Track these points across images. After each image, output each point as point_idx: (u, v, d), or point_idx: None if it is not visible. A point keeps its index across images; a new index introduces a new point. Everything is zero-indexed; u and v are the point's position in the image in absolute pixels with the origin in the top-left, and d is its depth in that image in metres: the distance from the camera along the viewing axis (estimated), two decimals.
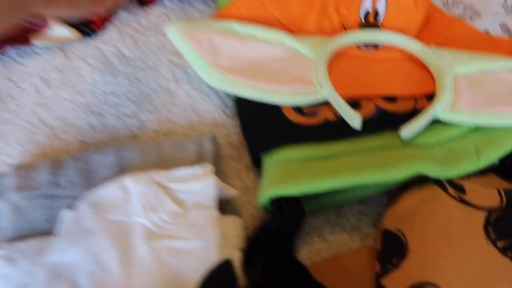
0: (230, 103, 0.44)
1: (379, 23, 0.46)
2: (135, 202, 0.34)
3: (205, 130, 0.42)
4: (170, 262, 0.31)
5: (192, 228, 0.32)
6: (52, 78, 0.46)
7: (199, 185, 0.34)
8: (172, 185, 0.35)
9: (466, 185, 0.35)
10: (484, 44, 0.47)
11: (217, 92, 0.44)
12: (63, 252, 0.31)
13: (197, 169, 0.35)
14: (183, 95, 0.45)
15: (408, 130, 0.37)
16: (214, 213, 0.33)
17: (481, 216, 0.33)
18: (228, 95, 0.44)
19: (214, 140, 0.40)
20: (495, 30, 0.50)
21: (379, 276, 0.31)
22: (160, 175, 0.35)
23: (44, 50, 0.48)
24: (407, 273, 0.30)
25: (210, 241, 0.31)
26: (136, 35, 0.48)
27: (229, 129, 0.42)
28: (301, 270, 0.32)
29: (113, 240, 0.32)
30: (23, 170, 0.37)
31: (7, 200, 0.35)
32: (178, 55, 0.45)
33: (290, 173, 0.35)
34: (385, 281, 0.30)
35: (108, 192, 0.34)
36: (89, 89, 0.45)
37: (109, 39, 0.48)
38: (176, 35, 0.42)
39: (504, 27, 0.51)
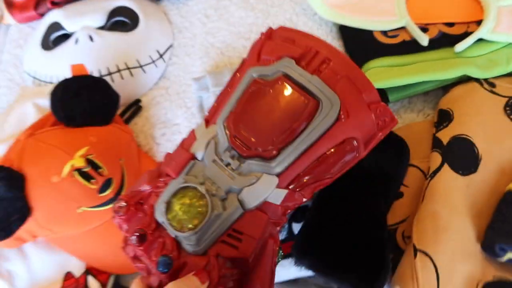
0: (335, 30, 0.64)
1: None
2: None
3: None
4: None
5: None
6: (211, 14, 0.68)
7: None
8: None
9: (496, 82, 0.55)
10: None
11: (326, 22, 0.65)
12: None
13: None
14: (301, 24, 0.65)
15: (460, 46, 0.56)
16: None
17: (503, 101, 0.53)
18: (334, 24, 0.64)
19: None
20: None
21: (435, 132, 0.53)
22: None
23: None
24: (451, 131, 0.51)
25: None
26: None
27: (336, 46, 0.63)
28: None
29: None
30: (214, 73, 0.60)
31: (211, 92, 0.59)
32: None
33: (381, 74, 0.56)
34: (438, 134, 0.52)
35: None
36: (238, 21, 0.67)
37: None
38: None
39: None
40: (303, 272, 0.48)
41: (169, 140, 0.61)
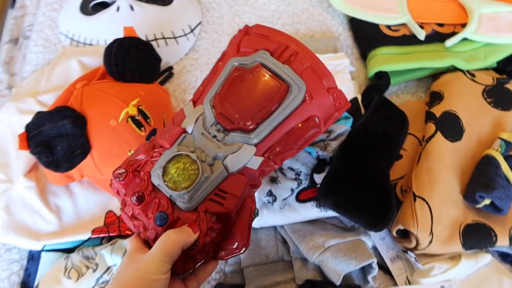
0: (346, 21, 0.75)
1: None
2: None
3: (334, 35, 0.74)
4: None
5: (338, 81, 0.65)
6: None
7: (340, 61, 0.67)
8: (325, 61, 0.67)
9: (476, 73, 0.68)
10: None
11: (338, 14, 0.76)
12: None
13: (337, 54, 0.68)
14: (317, 14, 0.76)
15: (449, 42, 0.69)
16: (349, 75, 0.66)
17: (481, 88, 0.66)
18: (345, 16, 0.75)
19: (339, 40, 0.72)
20: None
21: (428, 108, 0.65)
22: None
23: None
24: (442, 107, 0.63)
25: (349, 87, 0.65)
26: None
27: (346, 36, 0.74)
28: (392, 103, 0.65)
29: None
30: None
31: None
32: None
33: (385, 60, 0.68)
34: (432, 110, 0.64)
35: None
36: (262, 7, 0.76)
37: None
38: None
39: None
40: (322, 213, 0.57)
41: None
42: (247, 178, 0.42)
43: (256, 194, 0.50)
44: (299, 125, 0.43)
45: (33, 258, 0.59)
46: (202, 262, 0.43)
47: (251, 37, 0.45)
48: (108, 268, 0.54)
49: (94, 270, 0.53)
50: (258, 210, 0.47)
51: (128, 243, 0.41)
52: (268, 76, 0.42)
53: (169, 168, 0.41)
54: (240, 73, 0.43)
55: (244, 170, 0.42)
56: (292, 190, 0.55)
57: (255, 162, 0.42)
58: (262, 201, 0.55)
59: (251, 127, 0.41)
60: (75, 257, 0.55)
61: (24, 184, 0.59)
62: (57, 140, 0.53)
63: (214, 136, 0.42)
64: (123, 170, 0.42)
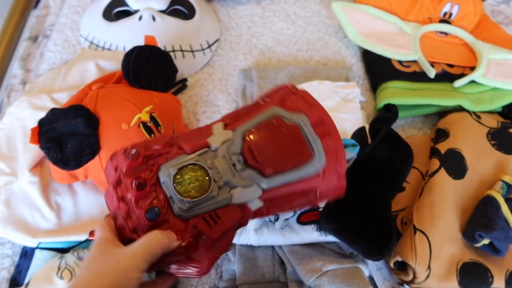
0: (359, 53, 0.77)
1: (451, 20, 0.78)
2: (320, 94, 0.68)
3: (346, 65, 0.76)
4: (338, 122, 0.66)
5: (348, 109, 0.67)
6: (256, 20, 0.79)
7: (351, 90, 0.68)
8: (336, 89, 0.69)
9: (481, 115, 0.70)
10: (509, 42, 0.79)
11: (353, 46, 0.78)
12: None
13: (348, 83, 0.69)
14: (332, 44, 0.78)
15: (458, 83, 0.71)
16: (358, 105, 0.68)
17: (486, 130, 0.68)
18: (359, 48, 0.77)
19: (352, 70, 0.74)
20: None
21: (433, 144, 0.66)
22: (329, 83, 0.69)
23: (248, 2, 0.80)
24: (447, 144, 0.65)
25: (358, 116, 0.66)
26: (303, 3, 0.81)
27: (359, 67, 0.76)
28: (398, 136, 0.66)
29: None
30: (259, 68, 0.71)
31: (255, 82, 0.69)
32: (329, 18, 0.78)
33: (395, 93, 0.70)
34: (437, 146, 0.65)
35: (307, 86, 0.68)
36: (279, 31, 0.79)
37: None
38: (338, 7, 0.75)
39: None
40: (322, 238, 0.57)
41: (209, 118, 0.70)
42: (242, 214, 0.43)
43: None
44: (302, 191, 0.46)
45: (26, 255, 0.59)
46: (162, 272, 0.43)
47: (297, 98, 0.48)
48: None
49: None
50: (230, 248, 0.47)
51: (98, 231, 0.40)
52: (301, 138, 0.45)
53: (184, 172, 0.41)
54: (278, 122, 0.45)
55: (243, 206, 0.43)
56: (295, 211, 0.56)
57: (255, 204, 0.43)
58: (264, 219, 0.56)
59: (268, 172, 0.43)
60: (70, 257, 0.55)
61: (28, 179, 0.59)
62: (68, 137, 0.54)
63: (234, 165, 0.43)
64: (135, 151, 0.42)
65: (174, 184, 0.40)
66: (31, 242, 0.57)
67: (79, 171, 0.58)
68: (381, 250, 0.54)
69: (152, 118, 0.59)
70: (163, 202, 0.40)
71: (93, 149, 0.55)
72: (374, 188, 0.59)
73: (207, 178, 0.41)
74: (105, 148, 0.56)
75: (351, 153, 0.60)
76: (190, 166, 0.41)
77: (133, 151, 0.42)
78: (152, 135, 0.58)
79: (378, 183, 0.60)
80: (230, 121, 0.47)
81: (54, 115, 0.54)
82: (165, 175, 0.41)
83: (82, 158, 0.54)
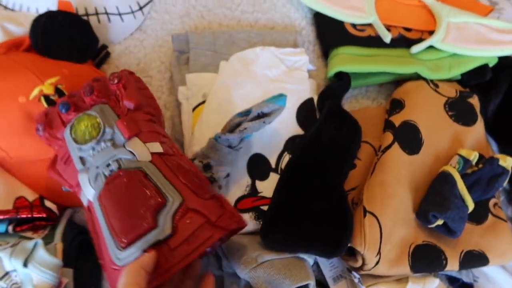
0: (310, 16, 0.70)
1: None
2: (263, 62, 0.60)
3: (295, 29, 0.68)
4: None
5: (295, 79, 0.60)
6: None
7: (298, 58, 0.61)
8: (282, 56, 0.62)
9: (439, 83, 0.64)
10: (471, 5, 0.73)
11: (303, 7, 0.70)
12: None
13: (296, 50, 0.62)
14: (280, 5, 0.70)
15: (415, 49, 0.64)
16: (306, 74, 0.61)
17: (443, 99, 0.62)
18: (310, 10, 0.69)
19: (301, 35, 0.66)
20: None
21: (388, 116, 0.60)
22: (275, 49, 0.62)
23: None
24: (402, 116, 0.59)
25: (305, 86, 0.59)
26: None
27: (309, 31, 0.69)
28: (345, 112, 0.60)
29: (254, 80, 0.59)
30: (195, 33, 0.62)
31: (191, 49, 0.61)
32: None
33: (347, 60, 0.63)
34: (391, 118, 0.59)
35: (248, 53, 0.61)
36: None
37: None
38: None
39: None
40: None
41: None
42: None
43: None
44: None
45: None
46: None
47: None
48: (6, 273, 0.45)
49: None
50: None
51: None
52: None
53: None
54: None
55: None
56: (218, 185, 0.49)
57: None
58: None
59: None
60: None
61: None
62: None
63: None
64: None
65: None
66: None
67: None
68: (336, 248, 0.48)
69: (58, 90, 0.50)
70: None
71: None
72: (321, 177, 0.53)
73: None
74: None
75: (270, 105, 0.51)
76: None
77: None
78: None
79: (325, 170, 0.54)
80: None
81: None
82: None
83: None
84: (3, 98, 0.48)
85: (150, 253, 0.38)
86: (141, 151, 0.43)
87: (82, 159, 0.44)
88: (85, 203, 0.44)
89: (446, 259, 0.52)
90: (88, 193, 0.43)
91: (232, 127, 0.49)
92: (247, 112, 0.50)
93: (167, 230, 0.39)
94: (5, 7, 0.63)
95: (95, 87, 0.47)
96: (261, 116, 0.50)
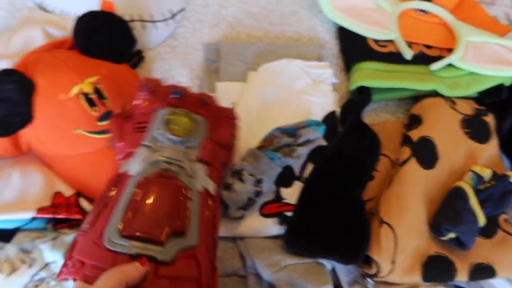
0: (334, 30, 0.73)
1: None
2: (289, 74, 0.63)
3: (320, 42, 0.71)
4: (306, 105, 0.62)
5: (319, 92, 0.63)
6: None
7: (323, 71, 0.64)
8: (307, 69, 0.64)
9: (457, 101, 0.67)
10: (490, 24, 0.75)
11: (328, 21, 0.73)
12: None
13: (321, 63, 0.65)
14: (306, 18, 0.73)
15: (435, 66, 0.67)
16: (330, 87, 0.64)
17: (460, 117, 0.65)
18: (335, 24, 0.72)
19: (325, 48, 0.69)
20: (499, 16, 0.78)
21: (406, 131, 0.63)
22: (300, 62, 0.65)
23: None
24: (420, 131, 0.62)
25: (329, 99, 0.62)
26: None
27: (333, 44, 0.72)
28: (366, 126, 0.63)
29: (280, 90, 0.62)
30: (226, 43, 0.65)
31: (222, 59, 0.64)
32: None
33: (368, 75, 0.66)
34: (409, 133, 0.62)
35: (276, 65, 0.64)
36: (250, 2, 0.72)
37: None
38: None
39: (506, 16, 0.79)
40: (284, 231, 0.54)
41: None
42: None
43: None
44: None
45: None
46: None
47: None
48: (46, 264, 0.49)
49: (30, 266, 0.48)
50: None
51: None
52: None
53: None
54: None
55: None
56: (251, 199, 0.52)
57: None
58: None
59: None
60: (11, 249, 0.50)
61: None
62: None
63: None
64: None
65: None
66: None
67: (21, 143, 0.54)
68: (355, 255, 0.51)
69: (97, 89, 0.54)
70: None
71: (23, 118, 0.51)
72: (342, 188, 0.56)
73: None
74: (39, 117, 0.52)
75: (315, 132, 0.56)
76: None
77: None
78: (95, 107, 0.54)
79: (346, 181, 0.57)
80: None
81: None
82: None
83: (10, 126, 0.51)
84: (44, 94, 0.52)
85: (140, 266, 0.36)
86: (200, 178, 0.43)
87: (154, 139, 0.45)
88: (121, 170, 0.44)
89: (456, 270, 0.55)
90: (134, 167, 0.43)
91: (279, 146, 0.52)
92: (287, 130, 0.54)
93: (168, 257, 0.37)
94: (46, 11, 0.66)
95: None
96: (307, 141, 0.54)
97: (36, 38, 0.60)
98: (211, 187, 0.44)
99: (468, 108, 0.66)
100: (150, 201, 0.39)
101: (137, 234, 0.37)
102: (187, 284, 0.38)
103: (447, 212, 0.56)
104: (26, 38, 0.60)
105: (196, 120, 0.47)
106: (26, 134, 0.53)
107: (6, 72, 0.51)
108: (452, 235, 0.54)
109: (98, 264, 0.37)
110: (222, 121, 0.50)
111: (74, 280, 0.37)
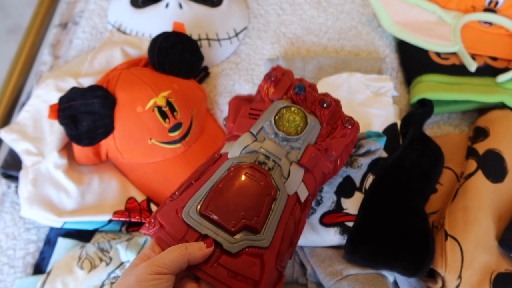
0: (394, 44, 0.73)
1: (497, 9, 0.72)
2: (350, 87, 0.65)
3: (379, 56, 0.72)
4: (367, 117, 0.62)
5: (380, 104, 0.63)
6: (286, 8, 0.76)
7: (383, 84, 0.65)
8: (368, 82, 0.65)
9: None
10: None
11: (387, 35, 0.73)
12: None
13: (382, 76, 0.66)
14: (365, 33, 0.74)
15: (501, 78, 0.65)
16: (391, 100, 0.64)
17: None
18: (394, 38, 0.73)
19: (385, 62, 0.70)
20: None
21: (471, 144, 0.62)
22: (361, 76, 0.66)
23: None
24: (486, 144, 0.60)
25: (390, 112, 0.63)
26: None
27: (393, 58, 0.72)
28: (428, 138, 0.62)
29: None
30: (286, 58, 0.68)
31: None
32: (363, 6, 0.74)
33: (430, 87, 0.65)
34: (475, 146, 0.61)
35: (336, 78, 0.65)
36: (309, 19, 0.75)
37: None
38: None
39: None
40: (345, 241, 0.55)
41: None
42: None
43: None
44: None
45: (50, 242, 0.60)
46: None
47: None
48: (121, 263, 0.53)
49: (107, 264, 0.52)
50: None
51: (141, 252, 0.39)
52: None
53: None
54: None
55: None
56: (311, 208, 0.53)
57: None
58: None
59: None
60: (90, 247, 0.55)
61: (55, 159, 0.59)
62: (84, 116, 0.56)
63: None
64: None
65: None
66: (56, 222, 0.57)
67: (100, 151, 0.60)
68: (419, 267, 0.51)
69: (169, 103, 0.59)
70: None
71: (106, 129, 0.57)
72: (404, 200, 0.56)
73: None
74: (119, 128, 0.58)
75: (376, 143, 0.56)
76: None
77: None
78: (167, 119, 0.59)
79: (408, 193, 0.57)
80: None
81: (73, 93, 0.56)
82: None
83: (95, 136, 0.56)
84: (124, 106, 0.57)
85: (204, 247, 0.37)
86: (294, 182, 0.43)
87: (261, 129, 0.45)
88: (223, 150, 0.45)
89: None
90: (233, 151, 0.43)
91: None
92: None
93: (233, 248, 0.37)
94: (124, 33, 0.73)
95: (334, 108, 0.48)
96: (368, 152, 0.54)
97: (116, 57, 0.67)
98: (303, 194, 0.44)
99: None
100: (234, 188, 0.40)
101: (212, 216, 0.38)
102: (243, 283, 0.37)
103: None
104: (107, 57, 0.67)
105: (309, 121, 0.46)
106: (106, 144, 0.59)
107: (92, 88, 0.57)
108: None
109: (172, 231, 0.38)
110: (338, 129, 0.48)
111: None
